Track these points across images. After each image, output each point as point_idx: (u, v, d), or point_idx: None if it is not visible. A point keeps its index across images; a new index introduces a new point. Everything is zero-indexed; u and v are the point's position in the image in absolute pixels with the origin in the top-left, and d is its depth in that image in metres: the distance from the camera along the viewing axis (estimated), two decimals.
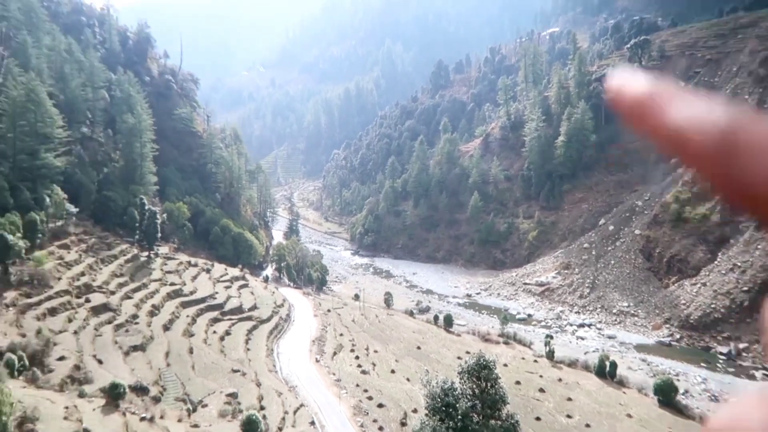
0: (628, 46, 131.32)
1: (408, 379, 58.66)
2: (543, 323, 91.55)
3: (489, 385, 33.47)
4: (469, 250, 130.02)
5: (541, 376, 61.57)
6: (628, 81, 0.46)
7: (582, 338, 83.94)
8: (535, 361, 68.00)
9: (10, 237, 51.79)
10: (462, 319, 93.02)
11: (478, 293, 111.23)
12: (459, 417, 32.09)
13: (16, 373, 38.64)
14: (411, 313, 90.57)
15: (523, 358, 68.51)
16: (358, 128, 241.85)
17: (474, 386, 33.48)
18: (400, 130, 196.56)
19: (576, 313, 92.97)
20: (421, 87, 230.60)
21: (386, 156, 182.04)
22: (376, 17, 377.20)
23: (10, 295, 50.14)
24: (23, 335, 44.52)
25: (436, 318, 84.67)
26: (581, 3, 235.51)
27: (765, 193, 0.41)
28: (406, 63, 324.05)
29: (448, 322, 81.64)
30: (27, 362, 40.94)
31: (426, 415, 33.73)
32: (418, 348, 69.69)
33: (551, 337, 74.05)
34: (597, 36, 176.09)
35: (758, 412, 0.42)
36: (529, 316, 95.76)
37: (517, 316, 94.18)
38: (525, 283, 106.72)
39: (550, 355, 68.74)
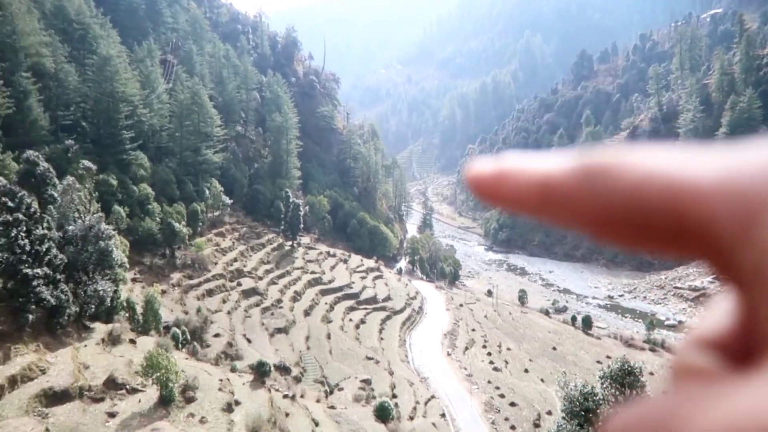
0: None
1: (542, 380, 56.74)
2: None
3: (634, 393, 31.27)
4: (611, 249, 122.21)
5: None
6: (477, 167, 0.48)
7: None
8: None
9: (176, 225, 58.10)
10: (602, 321, 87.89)
11: (620, 295, 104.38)
12: (600, 424, 30.38)
13: (180, 345, 43.32)
14: (546, 312, 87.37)
15: None
16: (494, 122, 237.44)
17: (617, 393, 31.49)
18: (539, 124, 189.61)
19: None
20: (562, 78, 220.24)
21: (523, 150, 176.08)
22: (515, 9, 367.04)
23: (175, 276, 56.33)
24: (186, 312, 49.81)
25: (573, 319, 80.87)
26: None
27: (640, 205, 0.41)
28: (546, 55, 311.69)
29: (587, 323, 77.56)
30: (189, 336, 45.78)
31: (563, 418, 32.36)
32: (554, 349, 67.09)
33: None
34: None
35: (659, 414, 0.40)
36: (680, 322, 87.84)
37: (666, 322, 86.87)
38: (676, 287, 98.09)
39: None
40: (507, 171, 0.47)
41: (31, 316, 32.83)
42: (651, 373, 58.92)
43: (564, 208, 0.44)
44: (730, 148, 0.42)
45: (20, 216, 33.22)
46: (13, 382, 28.92)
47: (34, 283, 32.89)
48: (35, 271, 33.11)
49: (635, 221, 0.42)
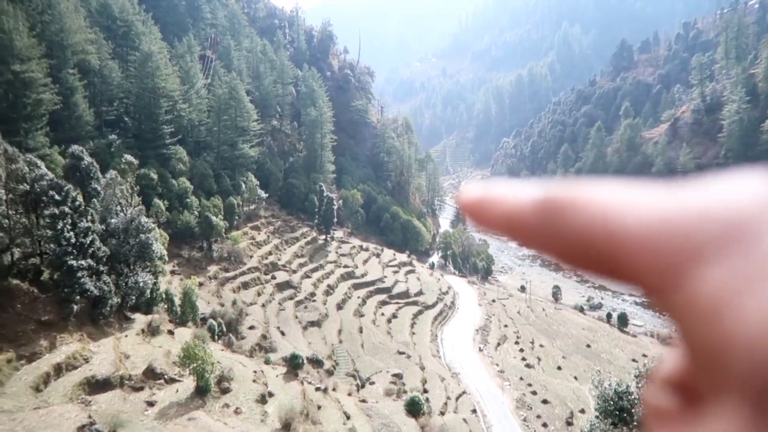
0: None
1: (576, 378, 56.11)
2: None
3: None
4: None
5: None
6: (467, 191, 0.55)
7: None
8: None
9: (213, 218, 59.37)
10: (638, 319, 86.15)
11: None
12: (634, 424, 30.01)
13: (216, 337, 44.41)
14: (581, 309, 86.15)
15: None
16: (530, 115, 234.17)
17: None
18: (576, 116, 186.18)
19: None
20: (600, 70, 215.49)
21: (559, 144, 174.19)
22: (553, 0, 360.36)
23: (212, 268, 57.63)
24: (222, 305, 50.96)
25: (608, 316, 79.59)
26: None
27: (585, 246, 0.47)
28: (584, 46, 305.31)
29: (623, 321, 76.24)
30: (224, 328, 46.88)
31: (596, 417, 32.02)
32: (588, 346, 66.20)
33: None
34: None
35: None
36: None
37: None
38: None
39: None
40: (486, 199, 0.54)
41: (75, 307, 34.15)
42: None
43: (526, 237, 0.51)
44: (674, 188, 0.46)
45: (66, 209, 34.52)
46: (59, 370, 30.21)
47: (79, 274, 34.16)
48: (80, 262, 34.38)
49: (583, 257, 0.48)
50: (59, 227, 33.93)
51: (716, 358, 0.39)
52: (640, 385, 31.53)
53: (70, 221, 34.65)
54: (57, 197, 34.34)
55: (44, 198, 34.02)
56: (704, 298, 0.40)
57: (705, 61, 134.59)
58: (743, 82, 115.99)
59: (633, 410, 30.66)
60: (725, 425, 0.38)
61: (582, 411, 46.82)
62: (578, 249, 0.48)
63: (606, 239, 0.45)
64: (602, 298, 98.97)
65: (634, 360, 60.94)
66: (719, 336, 0.39)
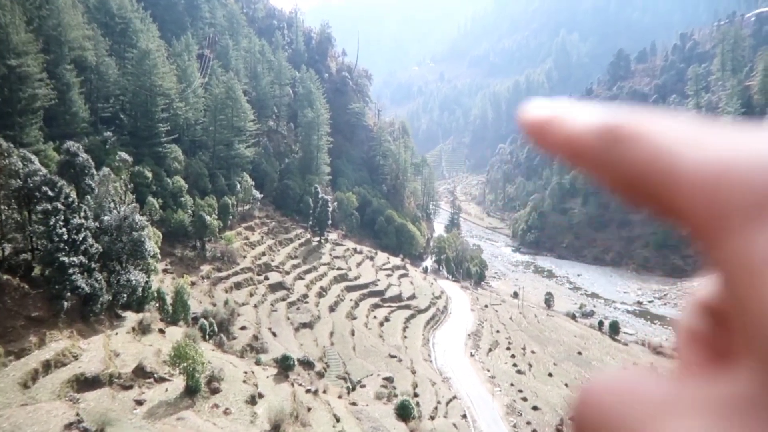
0: None
1: (566, 385, 56.23)
2: None
3: None
4: (642, 254, 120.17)
5: None
6: (534, 109, 0.53)
7: None
8: None
9: (207, 218, 59.23)
10: (630, 327, 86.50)
11: (650, 301, 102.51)
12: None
13: (207, 336, 44.25)
14: (573, 316, 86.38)
15: None
16: None
17: None
18: None
19: None
20: (597, 78, 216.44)
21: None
22: (552, 7, 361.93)
23: (205, 268, 57.47)
24: (214, 304, 50.81)
25: (600, 323, 79.87)
26: None
27: (642, 180, 0.46)
28: (582, 54, 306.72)
29: (614, 329, 76.49)
30: (216, 328, 46.72)
31: None
32: (579, 353, 66.39)
33: None
34: None
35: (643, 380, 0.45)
36: None
37: None
38: None
39: None
40: (550, 120, 0.52)
41: (66, 303, 33.98)
42: None
43: (585, 163, 0.49)
44: (750, 132, 0.44)
45: (59, 205, 34.36)
46: (47, 366, 30.03)
47: (70, 271, 34.01)
48: (71, 259, 34.21)
49: (639, 190, 0.46)
50: (51, 223, 33.78)
51: (754, 318, 0.39)
52: None
53: (62, 217, 34.49)
54: (50, 193, 34.18)
55: (37, 194, 33.86)
56: (755, 256, 0.39)
57: (701, 72, 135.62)
58: (739, 94, 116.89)
59: None
60: (747, 384, 0.38)
61: (572, 419, 46.89)
62: (636, 182, 0.46)
63: (665, 175, 0.44)
64: (594, 306, 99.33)
65: (625, 368, 61.16)
66: (762, 299, 0.38)
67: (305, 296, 62.25)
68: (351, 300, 66.27)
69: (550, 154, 0.53)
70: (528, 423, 47.40)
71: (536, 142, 0.53)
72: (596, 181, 0.50)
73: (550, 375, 59.10)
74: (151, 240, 43.81)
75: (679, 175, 0.43)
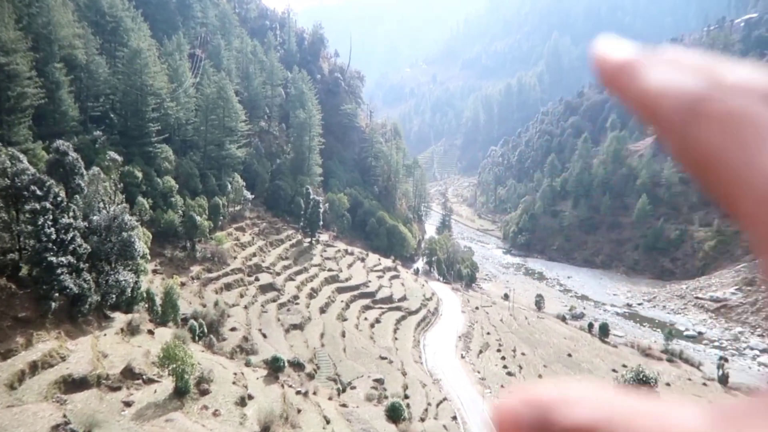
0: None
1: None
2: (716, 343, 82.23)
3: None
4: (632, 257, 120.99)
5: (709, 402, 55.48)
6: (611, 48, 0.47)
7: (766, 365, 73.93)
8: (704, 384, 61.51)
9: (198, 218, 58.92)
10: (619, 329, 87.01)
11: (639, 303, 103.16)
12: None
13: (196, 337, 43.97)
14: (563, 318, 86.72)
15: (690, 379, 62.32)
16: (518, 125, 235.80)
17: None
18: (563, 127, 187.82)
19: (759, 336, 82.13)
20: (589, 82, 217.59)
21: (546, 153, 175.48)
22: (544, 10, 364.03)
23: (195, 269, 57.13)
24: (204, 305, 50.50)
25: (590, 326, 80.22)
26: None
27: (716, 163, 0.42)
28: (574, 57, 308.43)
29: (604, 331, 76.87)
30: (206, 329, 46.44)
31: None
32: (569, 355, 66.63)
33: (725, 360, 66.51)
34: None
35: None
36: (700, 333, 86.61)
37: (685, 333, 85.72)
38: (697, 297, 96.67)
39: (723, 379, 61.74)
40: (630, 66, 0.47)
41: (53, 304, 33.64)
42: (667, 384, 58.40)
43: (658, 127, 0.45)
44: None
45: (47, 205, 34.03)
46: (34, 367, 29.71)
47: (58, 271, 33.68)
48: (60, 259, 33.88)
49: (705, 177, 0.43)
50: (40, 223, 33.44)
51: None
52: None
53: (51, 217, 34.15)
54: (38, 192, 33.85)
55: (25, 193, 33.50)
56: None
57: None
58: None
59: None
60: None
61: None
62: (704, 166, 0.43)
63: (735, 172, 0.40)
64: (584, 308, 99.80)
65: (614, 370, 61.55)
66: None
67: (296, 297, 62.06)
68: (342, 301, 66.14)
69: (622, 103, 0.48)
70: None
71: (609, 87, 0.48)
72: (665, 146, 0.46)
73: (540, 377, 59.28)
74: (141, 240, 43.49)
75: (750, 178, 0.40)
